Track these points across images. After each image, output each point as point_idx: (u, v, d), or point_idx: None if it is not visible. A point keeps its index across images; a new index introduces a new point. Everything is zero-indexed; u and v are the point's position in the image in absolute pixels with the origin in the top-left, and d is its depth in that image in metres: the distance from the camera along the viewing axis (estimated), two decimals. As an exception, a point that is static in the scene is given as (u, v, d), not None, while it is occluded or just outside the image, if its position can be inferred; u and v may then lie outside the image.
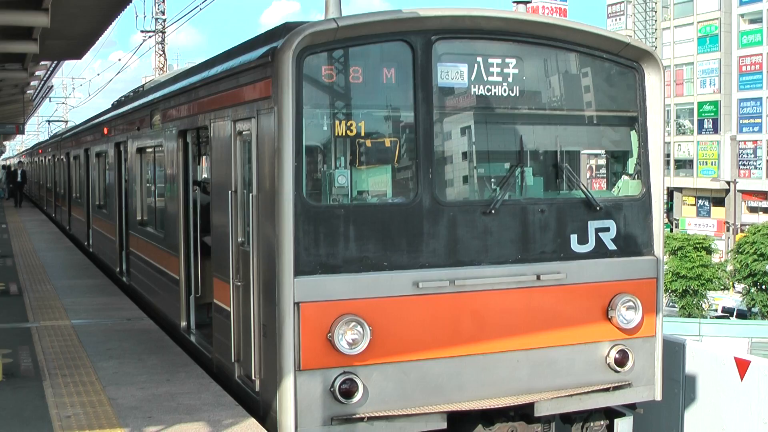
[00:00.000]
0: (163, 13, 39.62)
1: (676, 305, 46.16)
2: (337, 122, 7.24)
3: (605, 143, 8.74)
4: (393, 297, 7.22)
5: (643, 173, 8.32)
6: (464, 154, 7.96)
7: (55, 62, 24.07)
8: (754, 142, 70.80)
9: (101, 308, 12.72)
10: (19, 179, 43.49)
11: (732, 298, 50.01)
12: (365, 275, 7.15)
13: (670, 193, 75.11)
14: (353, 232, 7.14)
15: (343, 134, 7.24)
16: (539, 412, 7.75)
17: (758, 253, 44.81)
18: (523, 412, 7.79)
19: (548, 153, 8.19)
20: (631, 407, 8.31)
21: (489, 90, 7.67)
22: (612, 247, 8.09)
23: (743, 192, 69.94)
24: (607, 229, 8.08)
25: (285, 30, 7.10)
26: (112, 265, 16.44)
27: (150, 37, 39.82)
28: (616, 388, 8.05)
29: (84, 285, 15.14)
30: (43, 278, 15.99)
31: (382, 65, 7.41)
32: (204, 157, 12.97)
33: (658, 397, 8.36)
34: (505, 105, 7.80)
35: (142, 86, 16.86)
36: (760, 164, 70.50)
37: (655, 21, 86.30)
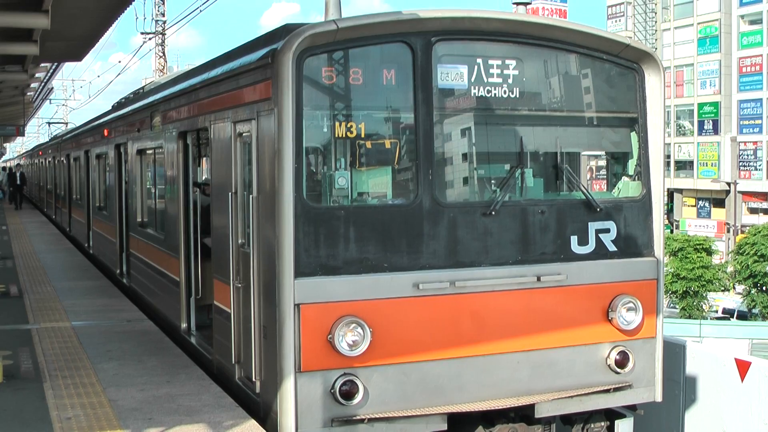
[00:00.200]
0: (163, 15, 39.64)
1: (677, 306, 46.16)
2: (337, 123, 7.24)
3: (605, 144, 8.74)
4: (393, 298, 7.22)
5: (643, 174, 8.32)
6: (464, 156, 7.96)
7: (56, 64, 24.07)
8: (755, 143, 70.79)
9: (101, 310, 12.72)
10: (18, 182, 43.50)
11: (732, 300, 50.00)
12: (365, 277, 7.15)
13: (671, 194, 75.10)
14: (353, 234, 7.14)
15: (343, 136, 7.24)
16: (540, 413, 7.75)
17: (759, 254, 44.81)
18: (524, 414, 7.79)
19: (548, 154, 8.19)
20: (632, 408, 8.31)
21: (489, 91, 7.67)
22: (612, 248, 8.09)
23: (743, 193, 69.93)
24: (608, 231, 8.08)
25: (285, 31, 7.11)
26: (113, 266, 16.45)
27: (150, 38, 39.83)
28: (616, 390, 8.05)
29: (84, 286, 15.14)
30: (43, 280, 15.99)
31: (382, 67, 7.41)
32: (204, 158, 12.98)
33: (659, 398, 8.36)
34: (505, 106, 7.80)
35: (142, 88, 16.88)
36: (760, 165, 70.49)
37: (655, 22, 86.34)
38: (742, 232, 58.87)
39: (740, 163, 71.43)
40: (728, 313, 48.43)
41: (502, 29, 7.73)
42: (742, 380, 9.31)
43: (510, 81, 7.72)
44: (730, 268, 48.50)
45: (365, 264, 7.17)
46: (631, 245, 8.20)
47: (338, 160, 7.39)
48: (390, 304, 7.20)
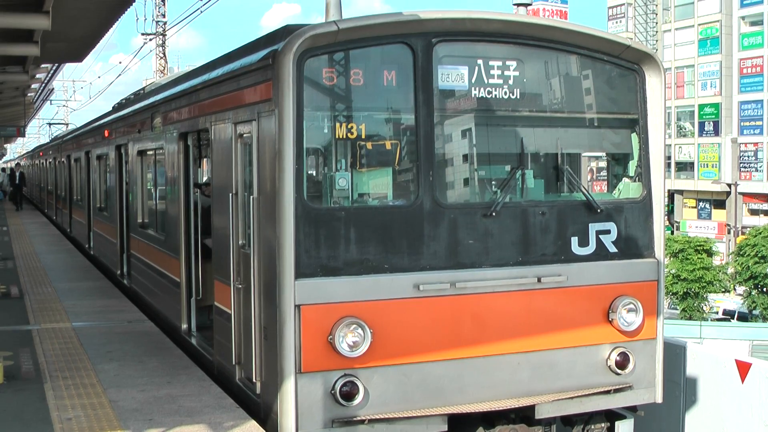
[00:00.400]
0: (163, 16, 39.60)
1: (677, 308, 46.17)
2: (337, 124, 7.24)
3: (606, 145, 8.74)
4: (394, 299, 7.22)
5: (643, 175, 8.32)
6: (465, 157, 7.96)
7: (56, 65, 24.09)
8: (755, 144, 70.80)
9: (102, 311, 12.73)
10: (17, 182, 43.51)
11: (733, 301, 50.00)
12: (366, 278, 7.15)
13: (671, 195, 75.10)
14: (354, 235, 7.14)
15: (344, 136, 7.24)
16: (540, 414, 7.74)
17: (759, 255, 44.84)
18: (524, 415, 7.79)
19: (549, 155, 8.18)
20: (632, 410, 8.31)
21: (490, 92, 7.67)
22: (613, 249, 8.09)
23: (744, 194, 69.92)
24: (608, 232, 8.08)
25: (286, 32, 7.11)
26: (113, 267, 16.45)
27: (151, 39, 39.79)
28: (616, 391, 8.05)
29: (85, 287, 15.14)
30: (44, 281, 15.99)
31: (382, 68, 7.41)
32: (205, 159, 12.98)
33: (659, 399, 8.35)
34: (505, 107, 7.80)
35: (143, 89, 16.87)
36: (761, 166, 70.49)
37: (656, 23, 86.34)
38: (743, 233, 58.86)
39: (741, 165, 71.44)
40: (729, 315, 48.43)
41: (502, 30, 7.73)
42: (743, 381, 9.31)
43: (511, 82, 7.72)
44: (730, 270, 48.52)
45: (366, 265, 7.17)
46: (632, 246, 8.20)
47: (339, 161, 7.39)
48: (390, 305, 7.20)
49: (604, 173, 8.88)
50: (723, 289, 48.18)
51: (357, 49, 7.28)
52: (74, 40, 14.54)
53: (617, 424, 8.21)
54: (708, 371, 9.80)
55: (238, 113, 8.05)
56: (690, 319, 42.78)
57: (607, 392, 8.01)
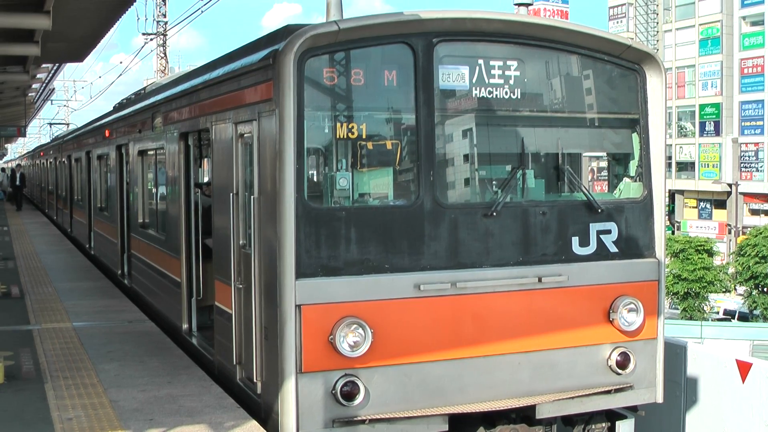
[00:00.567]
0: (164, 16, 39.60)
1: (678, 308, 46.15)
2: (338, 124, 7.24)
3: (607, 145, 8.73)
4: (394, 299, 7.22)
5: (644, 175, 8.32)
6: (465, 157, 7.96)
7: (57, 65, 24.10)
8: (756, 144, 70.77)
9: (102, 310, 12.73)
10: (17, 182, 43.49)
11: (733, 301, 49.98)
12: (366, 277, 7.15)
13: (672, 195, 75.08)
14: (354, 235, 7.14)
15: (345, 136, 7.24)
16: (541, 414, 7.74)
17: (760, 255, 44.80)
18: (525, 415, 7.79)
19: (549, 155, 8.18)
20: (633, 409, 8.31)
21: (490, 92, 7.67)
22: (613, 249, 8.09)
23: (745, 194, 69.89)
24: (609, 232, 8.08)
25: (286, 32, 7.11)
26: (114, 267, 16.45)
27: (151, 39, 39.78)
28: (617, 391, 8.05)
29: (85, 287, 15.14)
30: (44, 280, 16.00)
31: (383, 67, 7.41)
32: (205, 159, 12.98)
33: (660, 399, 8.35)
34: (506, 107, 7.80)
35: (144, 89, 16.88)
36: (761, 166, 70.47)
37: (657, 23, 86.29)
38: (744, 233, 58.84)
39: (741, 165, 71.41)
40: (729, 315, 48.42)
41: (503, 30, 7.73)
42: (743, 381, 9.31)
43: (511, 82, 7.72)
44: (731, 270, 48.48)
45: (366, 265, 7.17)
46: (633, 246, 8.20)
47: (339, 161, 7.39)
48: (391, 305, 7.20)
49: (604, 173, 8.88)
50: (724, 289, 48.14)
51: (358, 49, 7.27)
52: (75, 40, 14.56)
53: (618, 424, 8.21)
54: (708, 371, 9.80)
55: (239, 113, 8.05)
56: (691, 319, 42.77)
57: (608, 392, 8.01)
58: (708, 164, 74.45)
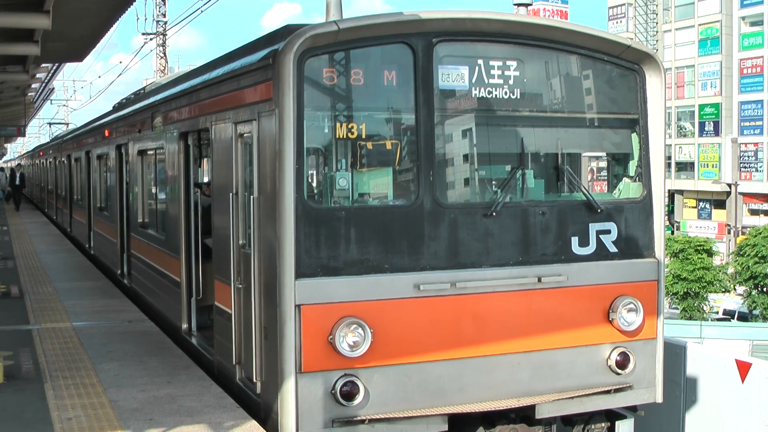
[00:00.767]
0: (164, 16, 39.59)
1: (678, 308, 46.16)
2: (338, 124, 7.24)
3: (606, 145, 8.74)
4: (394, 299, 7.22)
5: (644, 175, 8.32)
6: (465, 157, 7.97)
7: (57, 64, 24.10)
8: (755, 144, 70.80)
9: (102, 310, 12.73)
10: (17, 182, 43.45)
11: (733, 301, 50.00)
12: (366, 277, 7.15)
13: (671, 195, 75.10)
14: (354, 235, 7.14)
15: (344, 136, 7.24)
16: (540, 414, 7.75)
17: (759, 255, 44.81)
18: (524, 414, 7.79)
19: (549, 155, 8.18)
20: (632, 409, 8.31)
21: (490, 92, 7.68)
22: (613, 249, 8.09)
23: (744, 194, 69.93)
24: (608, 232, 8.08)
25: (286, 32, 7.11)
26: (114, 267, 16.45)
27: (151, 39, 39.78)
28: (617, 391, 8.05)
29: (85, 287, 15.14)
30: (44, 280, 15.99)
31: (383, 67, 7.41)
32: (205, 159, 12.97)
33: (659, 399, 8.36)
34: (506, 107, 7.80)
35: (143, 89, 16.87)
36: (761, 167, 70.50)
37: (656, 23, 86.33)
38: (743, 233, 58.86)
39: (741, 165, 71.45)
40: (729, 315, 48.44)
41: (503, 30, 7.73)
42: (743, 381, 9.32)
43: (511, 82, 7.72)
44: (730, 270, 48.50)
45: (366, 265, 7.17)
46: (632, 246, 8.20)
47: (339, 161, 7.39)
48: (391, 305, 7.20)
49: (604, 173, 8.88)
50: (723, 289, 48.15)
51: (357, 49, 7.28)
52: (75, 40, 14.56)
53: (617, 423, 8.21)
54: (708, 371, 9.80)
55: (239, 113, 8.05)
56: (690, 319, 42.77)
57: (608, 392, 8.01)
58: (707, 164, 74.48)
